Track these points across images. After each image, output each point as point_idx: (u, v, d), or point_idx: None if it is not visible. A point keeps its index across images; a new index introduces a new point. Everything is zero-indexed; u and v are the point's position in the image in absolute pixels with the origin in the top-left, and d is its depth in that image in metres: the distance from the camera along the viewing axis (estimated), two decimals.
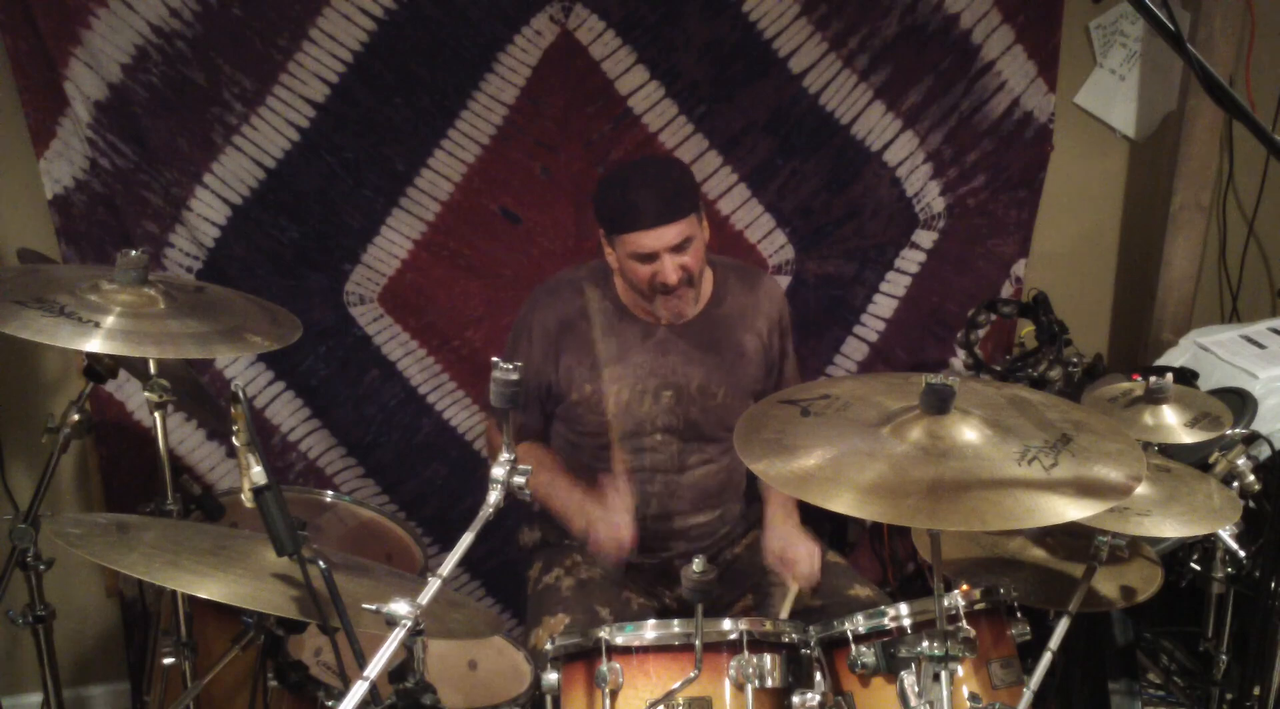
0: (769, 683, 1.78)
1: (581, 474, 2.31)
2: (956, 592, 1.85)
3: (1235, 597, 2.25)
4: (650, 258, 2.15)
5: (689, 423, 2.31)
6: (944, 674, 1.66)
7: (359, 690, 1.33)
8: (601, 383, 2.28)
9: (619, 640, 1.79)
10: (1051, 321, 2.84)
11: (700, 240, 2.20)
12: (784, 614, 2.12)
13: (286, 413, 2.80)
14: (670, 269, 2.15)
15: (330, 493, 2.57)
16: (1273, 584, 1.93)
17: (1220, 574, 2.23)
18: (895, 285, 3.02)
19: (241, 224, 2.64)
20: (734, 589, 2.35)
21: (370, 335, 2.79)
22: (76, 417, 1.92)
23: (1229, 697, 2.32)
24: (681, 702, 1.74)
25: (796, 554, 2.20)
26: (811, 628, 1.88)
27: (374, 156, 2.65)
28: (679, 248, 2.15)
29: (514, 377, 1.48)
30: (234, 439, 1.36)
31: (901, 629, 1.81)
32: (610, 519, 2.18)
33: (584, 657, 1.82)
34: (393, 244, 2.73)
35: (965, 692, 1.80)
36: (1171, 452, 2.18)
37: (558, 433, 2.40)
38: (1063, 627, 1.87)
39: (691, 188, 2.25)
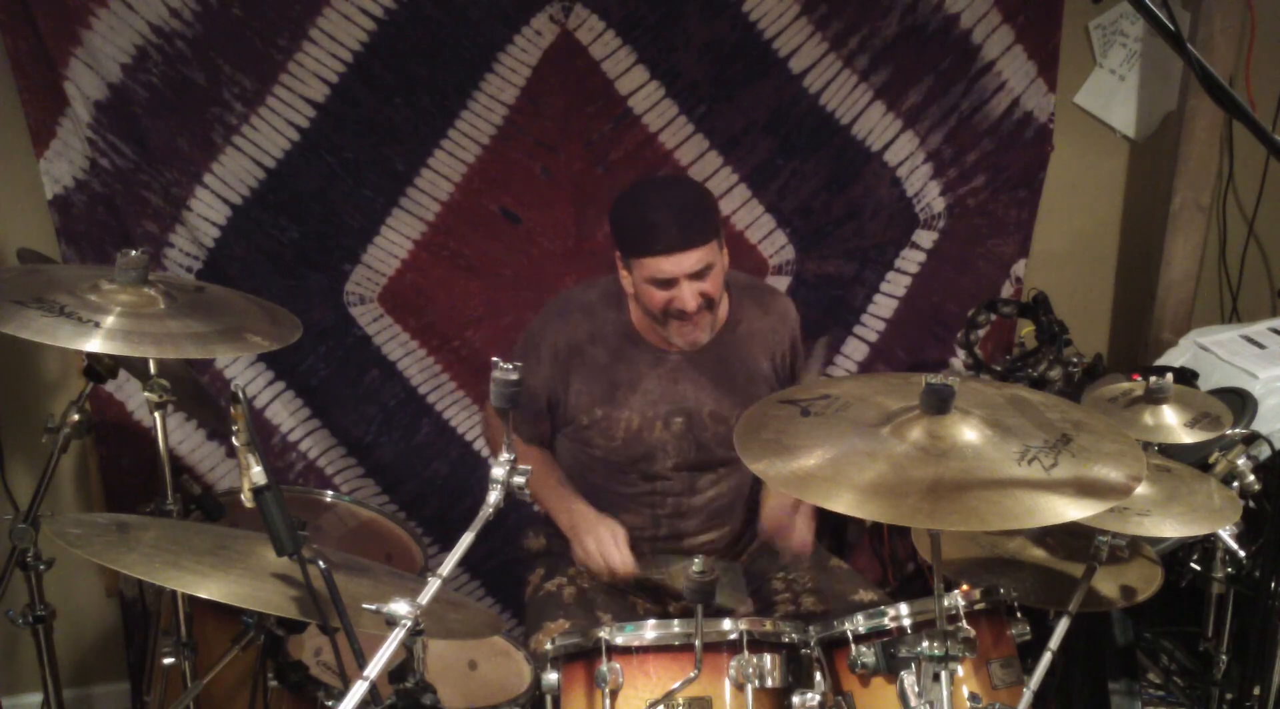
0: (769, 683, 1.78)
1: (592, 496, 2.29)
2: (956, 592, 1.85)
3: (1235, 597, 2.25)
4: (668, 284, 2.10)
5: (701, 448, 2.29)
6: (944, 674, 1.66)
7: (359, 690, 1.33)
8: (611, 408, 2.26)
9: (619, 640, 1.79)
10: (1051, 321, 2.84)
11: (720, 266, 2.16)
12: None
13: (286, 413, 2.79)
14: (689, 296, 2.10)
15: (330, 493, 2.58)
16: (1273, 584, 1.93)
17: (1220, 574, 2.22)
18: (895, 285, 3.02)
19: (241, 224, 2.64)
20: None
21: (370, 335, 2.79)
22: (76, 417, 1.92)
23: (1229, 697, 2.32)
24: (681, 702, 1.74)
25: (792, 523, 2.21)
26: (811, 628, 1.88)
27: (374, 156, 2.65)
28: (698, 274, 2.10)
29: (514, 376, 1.48)
30: (234, 439, 1.36)
31: (901, 629, 1.81)
32: (601, 549, 2.17)
33: (584, 657, 1.82)
34: (393, 244, 2.73)
35: (965, 692, 1.80)
36: (1171, 452, 2.17)
37: (567, 451, 2.38)
38: (1063, 627, 1.87)
39: (713, 212, 2.19)
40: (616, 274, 2.25)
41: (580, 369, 2.27)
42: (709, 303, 2.14)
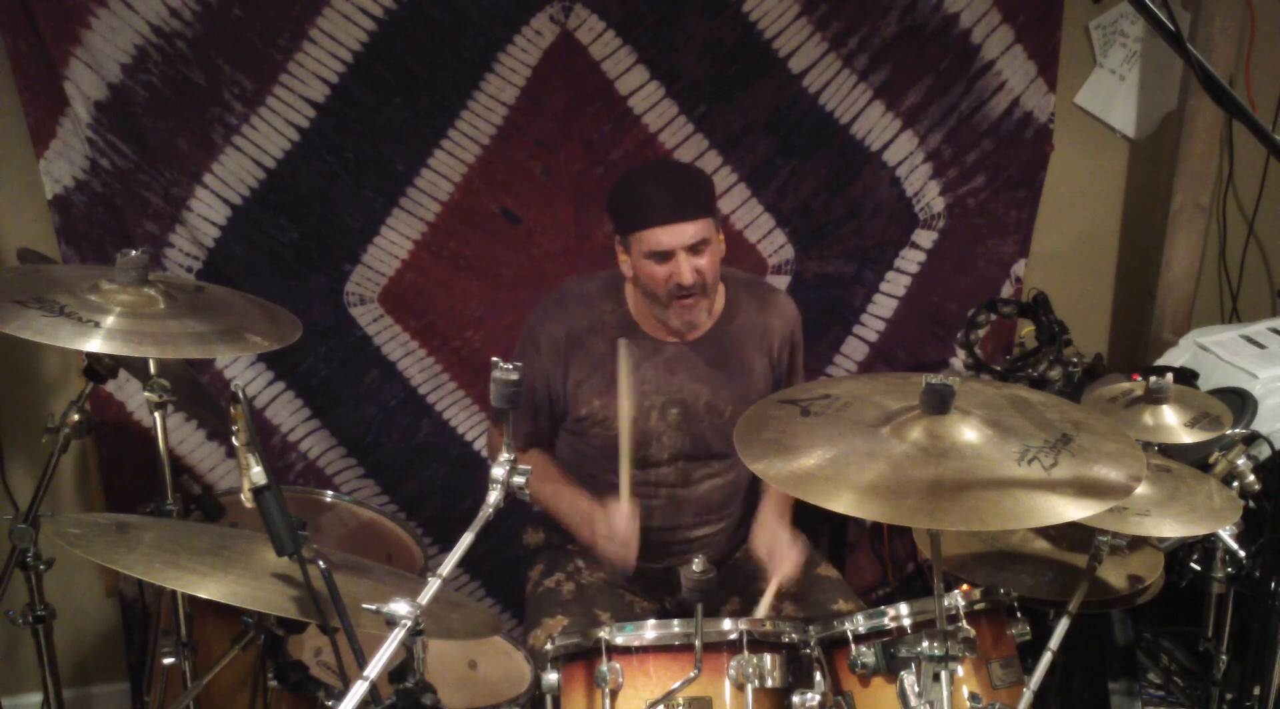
0: (769, 683, 1.78)
1: (587, 484, 2.29)
2: (956, 592, 1.86)
3: (1235, 597, 2.25)
4: (666, 256, 2.13)
5: (696, 440, 2.29)
6: (944, 674, 1.66)
7: (359, 690, 1.33)
8: (609, 398, 2.25)
9: (619, 640, 1.79)
10: (1051, 321, 2.84)
11: (716, 248, 2.19)
12: (762, 611, 2.10)
13: (286, 413, 2.79)
14: (686, 269, 2.13)
15: (330, 493, 2.57)
16: (1273, 584, 1.93)
17: (1220, 574, 2.22)
18: (895, 285, 3.02)
19: (241, 224, 2.63)
20: (725, 591, 2.34)
21: (370, 335, 2.79)
22: (76, 417, 1.92)
23: (1229, 697, 2.32)
24: (681, 702, 1.74)
25: (783, 552, 2.20)
26: (811, 628, 1.87)
27: (374, 156, 2.65)
28: (695, 248, 2.13)
29: (514, 376, 1.49)
30: (234, 439, 1.36)
31: (901, 629, 1.81)
32: (615, 533, 2.16)
33: (584, 657, 1.82)
34: (393, 244, 2.73)
35: (965, 692, 1.80)
36: (1171, 452, 2.18)
37: (564, 443, 2.39)
38: (1063, 627, 1.87)
39: (709, 191, 2.25)
40: (615, 268, 2.27)
41: (578, 359, 2.28)
42: (704, 283, 2.17)
